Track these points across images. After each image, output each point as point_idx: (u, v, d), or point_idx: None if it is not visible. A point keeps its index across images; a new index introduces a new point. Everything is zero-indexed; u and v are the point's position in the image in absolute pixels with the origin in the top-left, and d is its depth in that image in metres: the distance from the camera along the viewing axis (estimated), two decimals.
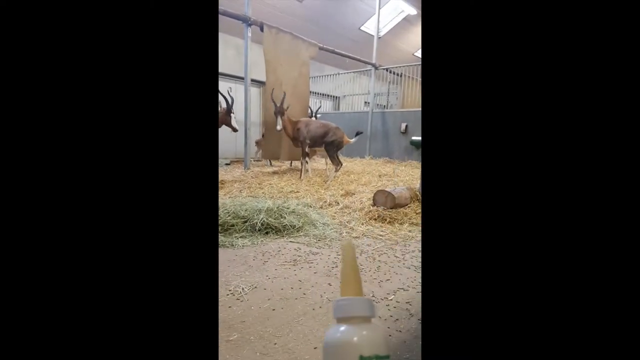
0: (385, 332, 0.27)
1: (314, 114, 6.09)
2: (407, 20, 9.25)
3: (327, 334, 0.28)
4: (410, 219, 2.81)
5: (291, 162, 6.13)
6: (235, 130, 4.78)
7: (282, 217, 2.50)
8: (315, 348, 1.15)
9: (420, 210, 2.98)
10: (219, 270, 1.71)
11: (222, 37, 7.21)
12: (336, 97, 9.82)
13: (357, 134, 4.48)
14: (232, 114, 4.72)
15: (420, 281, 1.74)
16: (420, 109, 7.06)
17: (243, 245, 2.13)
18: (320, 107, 7.41)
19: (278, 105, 4.39)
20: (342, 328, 0.27)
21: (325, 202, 3.29)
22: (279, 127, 4.44)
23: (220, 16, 4.42)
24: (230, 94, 4.73)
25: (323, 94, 9.22)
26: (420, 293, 1.66)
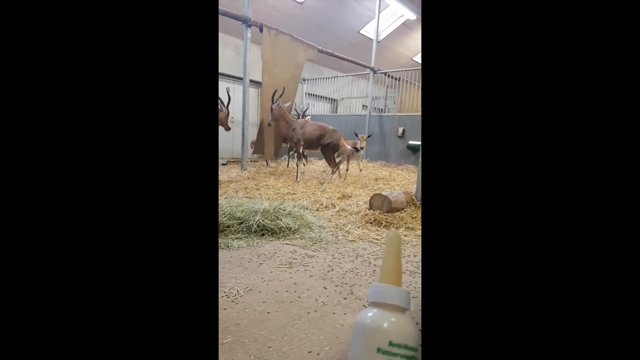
0: (417, 327, 0.28)
1: (301, 115, 6.08)
2: (406, 25, 9.30)
3: (358, 316, 0.28)
4: (406, 223, 2.81)
5: (288, 163, 6.13)
6: (227, 129, 4.89)
7: (278, 219, 2.49)
8: (309, 352, 1.15)
9: (416, 215, 2.99)
10: None
11: (221, 37, 7.19)
12: (334, 99, 9.84)
13: (356, 150, 4.64)
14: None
15: (417, 286, 1.74)
16: (417, 113, 7.16)
17: (238, 247, 2.13)
18: (308, 107, 7.41)
19: (273, 101, 4.54)
20: (374, 312, 0.28)
21: (321, 204, 3.29)
22: (269, 121, 4.72)
23: (219, 16, 4.43)
24: (229, 93, 4.78)
25: (321, 96, 9.23)
26: (416, 298, 1.67)
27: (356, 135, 5.24)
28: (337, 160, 4.68)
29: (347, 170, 4.92)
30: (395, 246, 0.30)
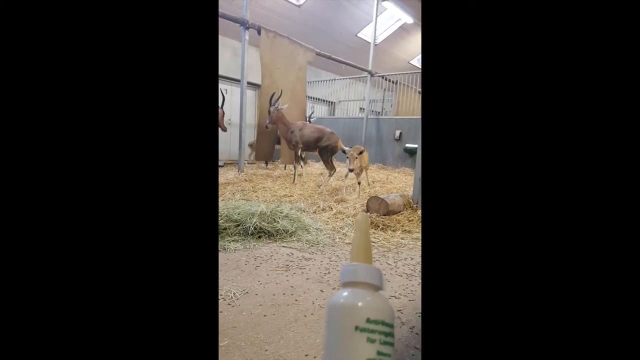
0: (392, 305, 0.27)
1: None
2: (403, 28, 9.36)
3: (332, 298, 0.27)
4: (402, 226, 2.82)
5: (285, 166, 6.13)
6: (224, 129, 4.88)
7: (275, 222, 2.49)
8: (306, 355, 1.14)
9: (413, 218, 3.00)
10: None
11: (219, 39, 7.18)
12: (332, 102, 9.86)
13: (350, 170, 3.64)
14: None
15: (413, 289, 1.73)
16: (414, 116, 7.16)
17: (235, 249, 2.12)
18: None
19: (271, 104, 4.52)
20: (348, 292, 0.27)
21: (318, 207, 3.29)
22: (266, 124, 4.68)
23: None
24: (223, 93, 4.79)
25: (319, 99, 9.26)
26: (413, 301, 1.65)
27: (344, 152, 3.63)
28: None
29: (359, 183, 4.07)
30: (363, 226, 0.30)
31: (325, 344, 0.26)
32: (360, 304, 0.25)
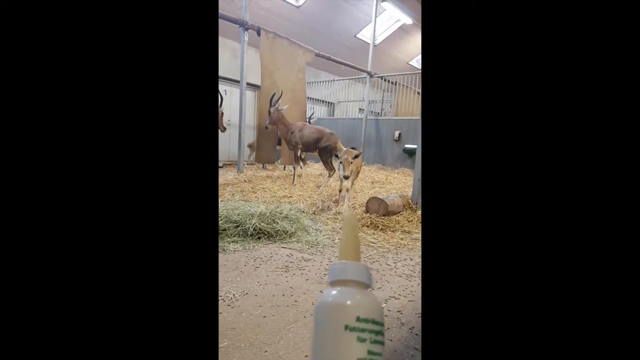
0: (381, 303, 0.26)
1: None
2: (402, 29, 9.37)
3: (320, 297, 0.26)
4: (402, 226, 2.82)
5: (284, 166, 6.14)
6: (223, 130, 4.88)
7: (274, 222, 2.49)
8: (306, 356, 1.14)
9: (412, 218, 3.00)
10: None
11: (218, 40, 7.17)
12: (331, 103, 9.87)
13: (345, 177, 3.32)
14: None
15: (412, 290, 1.73)
16: (413, 117, 7.17)
17: (234, 250, 2.12)
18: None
19: (272, 104, 4.53)
20: (337, 290, 0.26)
21: (318, 207, 3.29)
22: (266, 124, 4.72)
23: None
24: (220, 93, 4.80)
25: (318, 100, 9.27)
26: (413, 302, 1.65)
27: (337, 157, 3.29)
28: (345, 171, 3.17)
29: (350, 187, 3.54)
30: (351, 224, 0.29)
31: (313, 344, 0.25)
32: (349, 302, 0.25)
